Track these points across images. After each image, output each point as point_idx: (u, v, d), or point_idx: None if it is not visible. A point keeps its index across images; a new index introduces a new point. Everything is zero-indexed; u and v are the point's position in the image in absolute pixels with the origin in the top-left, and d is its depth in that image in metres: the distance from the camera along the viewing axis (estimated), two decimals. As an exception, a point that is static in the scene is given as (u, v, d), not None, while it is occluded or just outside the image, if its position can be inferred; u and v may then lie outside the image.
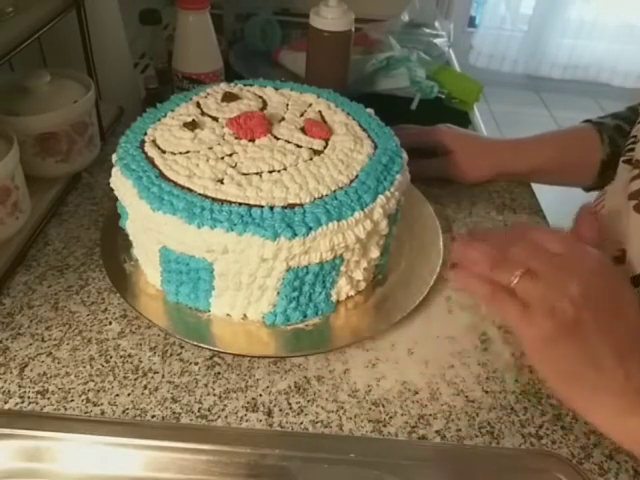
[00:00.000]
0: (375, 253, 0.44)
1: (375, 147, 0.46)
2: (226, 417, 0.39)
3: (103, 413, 0.39)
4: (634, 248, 0.44)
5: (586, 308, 0.35)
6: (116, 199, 0.45)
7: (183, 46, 0.68)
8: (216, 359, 0.43)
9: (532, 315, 0.35)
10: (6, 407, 0.39)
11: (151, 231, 0.41)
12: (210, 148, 0.44)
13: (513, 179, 0.64)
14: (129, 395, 0.40)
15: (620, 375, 0.34)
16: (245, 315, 0.44)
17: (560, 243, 0.38)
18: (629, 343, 0.35)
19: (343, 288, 0.45)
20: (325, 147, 0.46)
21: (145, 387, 0.41)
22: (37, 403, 0.39)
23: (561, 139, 0.63)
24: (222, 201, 0.40)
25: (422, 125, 0.68)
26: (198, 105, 0.50)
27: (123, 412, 0.39)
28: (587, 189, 0.64)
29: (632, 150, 0.49)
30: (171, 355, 0.43)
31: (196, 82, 0.69)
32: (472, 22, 2.43)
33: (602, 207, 0.51)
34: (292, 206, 0.40)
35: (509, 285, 0.37)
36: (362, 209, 0.41)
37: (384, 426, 0.40)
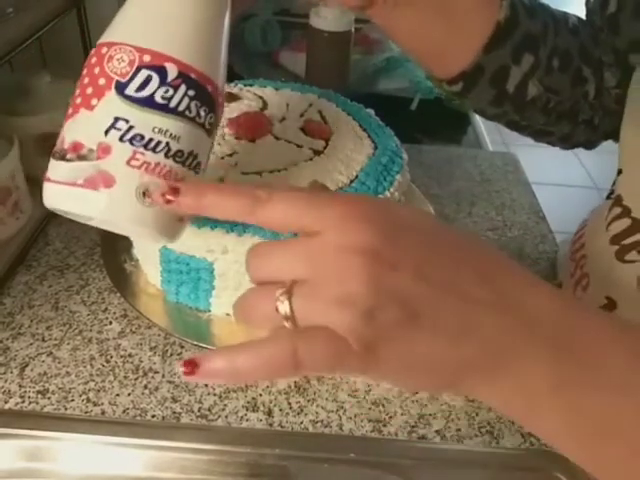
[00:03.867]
0: (375, 253, 0.44)
1: (375, 147, 0.46)
2: (226, 417, 0.39)
3: (103, 413, 0.39)
4: (623, 301, 0.39)
5: (407, 277, 0.23)
6: (116, 199, 0.45)
7: None
8: (216, 359, 0.43)
9: (356, 339, 0.23)
10: (6, 407, 0.39)
11: (151, 231, 0.41)
12: (210, 148, 0.44)
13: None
14: (129, 395, 0.40)
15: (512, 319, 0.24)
16: (245, 315, 0.44)
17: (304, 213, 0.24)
18: (492, 273, 0.25)
19: (343, 288, 0.45)
20: (325, 147, 0.46)
21: (145, 387, 0.41)
22: (37, 403, 0.39)
23: None
24: (222, 201, 0.40)
25: (422, 124, 0.68)
26: (198, 105, 0.50)
27: (123, 412, 0.39)
28: (461, 77, 0.42)
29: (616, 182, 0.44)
30: (171, 355, 0.43)
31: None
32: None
33: (582, 247, 0.47)
34: (292, 206, 0.40)
35: (282, 325, 0.24)
36: (362, 209, 0.41)
37: (384, 426, 0.40)
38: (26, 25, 0.50)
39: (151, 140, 0.27)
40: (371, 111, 0.52)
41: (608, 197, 0.46)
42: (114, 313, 0.46)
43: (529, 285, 0.25)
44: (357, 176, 0.43)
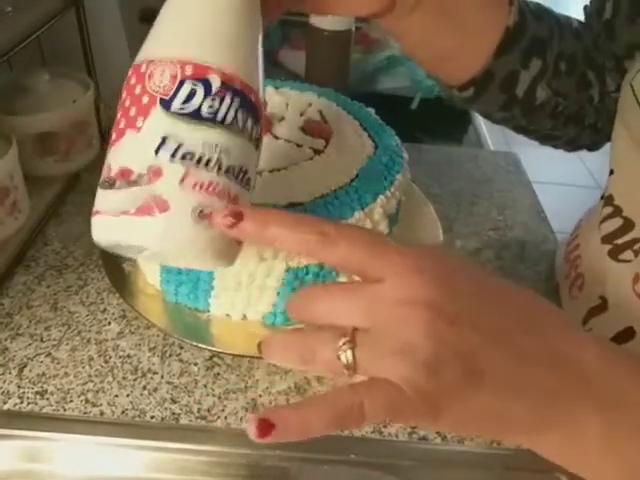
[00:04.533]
0: (375, 253, 0.44)
1: (375, 146, 0.46)
2: (226, 418, 0.39)
3: (102, 414, 0.39)
4: (614, 300, 0.39)
5: (464, 330, 0.24)
6: (115, 199, 0.45)
7: None
8: (216, 359, 0.43)
9: (416, 390, 0.23)
10: (5, 408, 0.39)
11: (150, 231, 0.41)
12: (210, 148, 0.44)
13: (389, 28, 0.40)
14: (128, 396, 0.40)
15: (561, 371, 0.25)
16: (245, 315, 0.44)
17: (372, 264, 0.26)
18: (538, 327, 0.25)
19: (343, 288, 0.45)
20: (325, 146, 0.45)
21: (144, 388, 0.41)
22: (36, 404, 0.39)
23: None
24: (221, 201, 0.39)
25: (423, 124, 0.67)
26: (198, 104, 0.49)
27: (122, 413, 0.39)
28: (470, 84, 0.42)
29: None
30: (170, 355, 0.43)
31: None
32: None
33: (577, 247, 0.47)
34: (292, 205, 0.40)
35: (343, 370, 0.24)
36: (362, 209, 0.40)
37: (384, 427, 0.39)
38: (25, 24, 0.50)
39: (202, 157, 0.26)
40: (371, 110, 0.52)
41: (603, 197, 0.46)
42: (113, 313, 0.46)
43: (577, 338, 0.26)
44: (357, 175, 0.43)
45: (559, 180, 2.00)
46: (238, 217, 0.26)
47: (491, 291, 0.26)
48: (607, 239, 0.40)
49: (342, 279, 0.44)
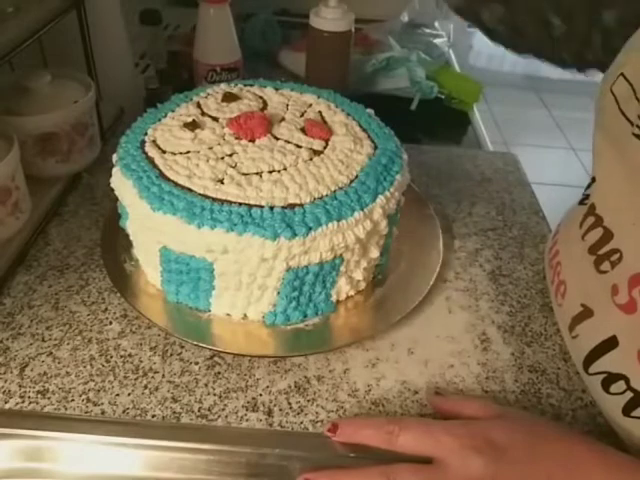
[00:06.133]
0: (375, 253, 0.44)
1: (375, 147, 0.46)
2: (226, 417, 0.39)
3: (103, 413, 0.39)
4: (598, 309, 0.40)
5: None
6: (116, 199, 0.45)
7: (204, 38, 0.72)
8: (216, 359, 0.43)
9: None
10: (6, 407, 0.39)
11: (151, 231, 0.41)
12: (210, 148, 0.44)
13: None
14: (129, 395, 0.40)
15: None
16: (245, 315, 0.44)
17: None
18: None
19: (343, 288, 0.45)
20: (325, 147, 0.46)
21: (145, 387, 0.41)
22: (37, 403, 0.39)
23: None
24: (222, 201, 0.40)
25: (422, 124, 0.67)
26: (198, 105, 0.50)
27: (123, 412, 0.39)
28: None
29: (589, 187, 0.44)
30: (171, 355, 0.43)
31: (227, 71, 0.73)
32: (472, 22, 2.43)
33: (557, 254, 0.47)
34: (292, 206, 0.40)
35: None
36: (362, 209, 0.41)
37: (384, 426, 0.40)
38: (26, 25, 0.50)
39: None
40: (371, 111, 0.52)
41: (581, 202, 0.46)
42: (114, 313, 0.46)
43: None
44: (357, 176, 0.43)
45: (558, 180, 2.00)
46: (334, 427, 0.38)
47: (533, 456, 0.33)
48: (592, 250, 0.40)
49: (341, 279, 0.44)
